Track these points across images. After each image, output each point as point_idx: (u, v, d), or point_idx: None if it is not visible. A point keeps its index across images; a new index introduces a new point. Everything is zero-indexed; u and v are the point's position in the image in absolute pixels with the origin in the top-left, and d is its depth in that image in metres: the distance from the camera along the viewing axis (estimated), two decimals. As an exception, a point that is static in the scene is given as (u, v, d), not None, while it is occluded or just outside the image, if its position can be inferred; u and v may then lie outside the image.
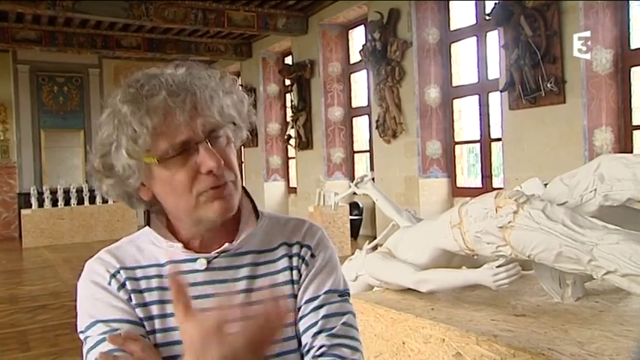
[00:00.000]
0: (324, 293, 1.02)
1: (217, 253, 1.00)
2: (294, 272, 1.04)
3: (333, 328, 1.00)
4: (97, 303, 0.97)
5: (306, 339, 1.00)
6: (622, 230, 1.73)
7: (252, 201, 1.08)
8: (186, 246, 1.01)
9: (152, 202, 1.01)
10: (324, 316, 1.00)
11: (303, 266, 1.04)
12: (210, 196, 0.94)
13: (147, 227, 1.04)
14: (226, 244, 1.00)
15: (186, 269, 0.99)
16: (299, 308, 1.02)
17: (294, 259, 1.04)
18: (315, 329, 0.99)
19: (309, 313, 1.01)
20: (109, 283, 0.98)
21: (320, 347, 0.98)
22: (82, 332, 0.97)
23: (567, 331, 1.76)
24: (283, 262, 1.04)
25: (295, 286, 1.03)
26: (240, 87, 1.04)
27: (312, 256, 1.05)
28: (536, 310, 2.03)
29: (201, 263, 0.99)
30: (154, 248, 1.02)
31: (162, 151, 0.91)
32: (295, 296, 1.02)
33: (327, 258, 1.06)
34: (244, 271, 1.01)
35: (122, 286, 0.98)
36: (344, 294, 1.05)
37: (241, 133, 1.02)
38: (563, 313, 1.97)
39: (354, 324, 1.03)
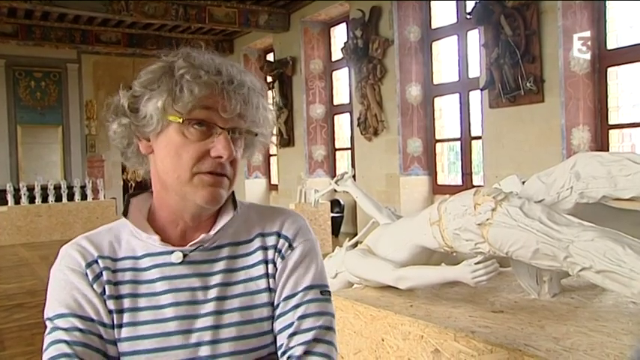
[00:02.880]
0: (303, 290, 1.01)
1: (193, 245, 1.00)
2: (270, 266, 1.02)
3: (310, 330, 0.98)
4: (73, 292, 0.96)
5: (281, 339, 0.99)
6: (597, 227, 1.76)
7: (232, 194, 1.07)
8: (164, 238, 1.00)
9: (143, 162, 1.04)
10: (301, 317, 0.99)
11: (279, 259, 1.02)
12: (205, 181, 0.96)
13: (123, 218, 1.04)
14: (202, 235, 1.00)
15: (161, 262, 0.99)
16: (277, 305, 1.00)
17: (270, 252, 1.03)
18: (290, 330, 0.98)
19: (287, 312, 0.99)
20: (86, 274, 0.97)
21: (294, 352, 0.97)
22: (49, 319, 0.95)
23: (543, 327, 1.79)
24: (258, 255, 1.03)
25: (271, 280, 1.01)
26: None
27: (290, 247, 1.03)
28: (514, 306, 2.06)
29: (177, 257, 0.99)
30: (131, 239, 1.01)
31: (190, 117, 0.94)
32: (270, 289, 1.01)
33: (306, 250, 1.04)
34: (220, 265, 1.00)
35: (97, 277, 0.97)
36: (325, 291, 1.03)
37: (254, 148, 1.07)
38: (540, 309, 1.99)
39: (332, 326, 1.02)
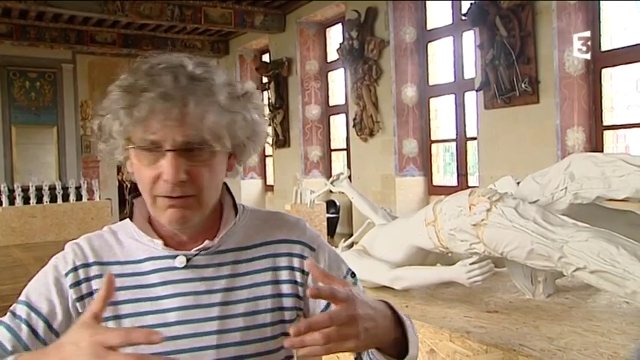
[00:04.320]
0: (344, 277, 1.07)
1: (197, 250, 0.99)
2: (284, 272, 1.03)
3: None
4: (39, 287, 0.98)
5: None
6: (591, 228, 1.77)
7: (232, 197, 1.07)
8: (167, 242, 1.00)
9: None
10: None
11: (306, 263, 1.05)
12: (165, 203, 0.94)
13: (128, 220, 1.04)
14: (206, 242, 0.99)
15: (165, 266, 0.99)
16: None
17: (282, 259, 1.04)
18: None
19: None
20: (66, 274, 0.98)
21: None
22: (16, 302, 0.98)
23: (538, 327, 1.80)
24: (265, 262, 1.03)
25: (284, 285, 1.02)
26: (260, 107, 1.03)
27: (312, 249, 1.06)
28: (509, 306, 2.06)
29: (181, 261, 0.99)
30: (133, 243, 1.01)
31: (138, 140, 0.92)
32: (279, 295, 1.02)
33: (326, 245, 1.10)
34: (225, 270, 1.00)
35: (78, 283, 0.97)
36: (354, 273, 1.11)
37: (245, 152, 1.01)
38: (535, 309, 2.00)
39: None
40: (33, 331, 0.94)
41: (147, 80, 0.90)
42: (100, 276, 0.98)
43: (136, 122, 0.90)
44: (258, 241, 1.05)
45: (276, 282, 1.03)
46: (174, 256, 0.99)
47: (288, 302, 1.03)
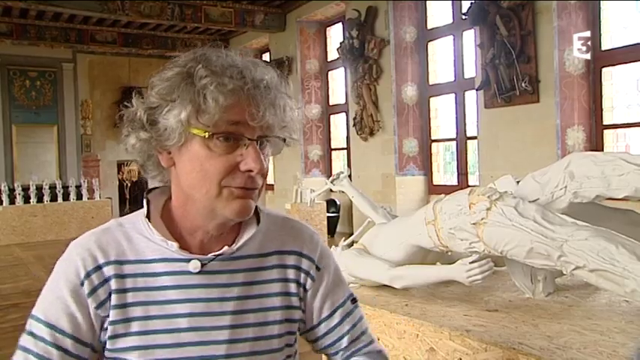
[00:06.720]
0: (342, 304, 1.07)
1: (214, 256, 0.95)
2: (292, 285, 1.01)
3: (363, 334, 1.09)
4: (56, 302, 0.92)
5: (335, 349, 1.07)
6: (590, 227, 1.77)
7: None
8: (182, 245, 0.95)
9: (164, 174, 0.98)
10: (352, 326, 1.07)
11: (309, 281, 1.03)
12: (235, 194, 0.90)
13: (141, 214, 0.98)
14: (225, 248, 0.95)
15: (177, 270, 0.93)
16: (319, 323, 1.05)
17: (290, 271, 1.02)
18: (345, 341, 1.06)
19: (334, 327, 1.06)
20: (82, 284, 0.92)
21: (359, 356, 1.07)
22: (31, 316, 0.93)
23: (537, 325, 1.80)
24: (275, 273, 1.00)
25: (293, 298, 1.01)
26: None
27: (318, 269, 1.04)
28: (508, 305, 2.06)
29: (195, 266, 0.94)
30: (142, 240, 0.95)
31: (216, 128, 0.87)
32: (287, 307, 1.00)
33: (333, 268, 1.08)
34: (239, 277, 0.97)
35: (95, 290, 0.92)
36: (355, 299, 1.10)
37: (279, 147, 1.01)
38: (534, 308, 2.00)
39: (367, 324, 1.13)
40: (64, 350, 0.90)
41: (238, 67, 0.89)
42: (116, 275, 0.92)
43: (222, 107, 0.86)
44: (271, 249, 1.02)
45: (286, 294, 1.00)
46: (188, 260, 0.94)
47: (294, 314, 1.01)
